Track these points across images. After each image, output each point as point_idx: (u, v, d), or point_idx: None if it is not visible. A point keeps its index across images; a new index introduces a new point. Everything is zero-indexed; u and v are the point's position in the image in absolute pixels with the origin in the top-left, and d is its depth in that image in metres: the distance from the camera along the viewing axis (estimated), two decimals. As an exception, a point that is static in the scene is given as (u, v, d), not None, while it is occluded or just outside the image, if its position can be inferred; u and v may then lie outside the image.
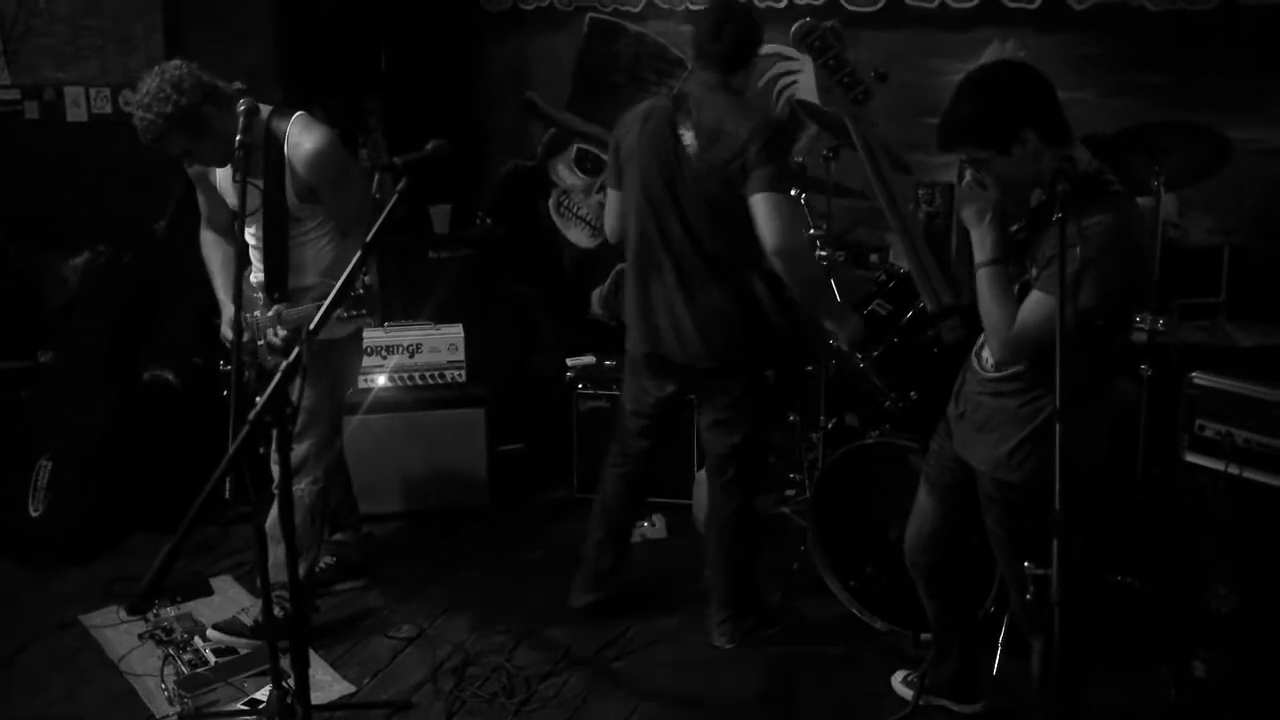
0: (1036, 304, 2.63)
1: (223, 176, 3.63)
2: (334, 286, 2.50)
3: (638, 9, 5.45)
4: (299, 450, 3.78)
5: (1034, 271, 2.69)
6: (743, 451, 3.75)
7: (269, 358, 3.58)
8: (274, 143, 3.53)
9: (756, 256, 3.44)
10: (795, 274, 3.43)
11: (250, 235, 3.64)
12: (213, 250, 3.82)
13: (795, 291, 3.46)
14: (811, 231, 4.20)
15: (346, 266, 2.51)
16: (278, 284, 3.61)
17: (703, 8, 3.60)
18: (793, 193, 3.38)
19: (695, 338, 3.58)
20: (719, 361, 3.61)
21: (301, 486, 3.80)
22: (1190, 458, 3.84)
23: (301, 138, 3.52)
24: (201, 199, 3.79)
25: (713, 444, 3.80)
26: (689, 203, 3.50)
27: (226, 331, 3.80)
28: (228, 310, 3.67)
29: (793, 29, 2.80)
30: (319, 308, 3.31)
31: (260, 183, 3.52)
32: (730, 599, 3.90)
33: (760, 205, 3.36)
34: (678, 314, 3.59)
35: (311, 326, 2.38)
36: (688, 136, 3.46)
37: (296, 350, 2.26)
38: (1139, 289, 2.71)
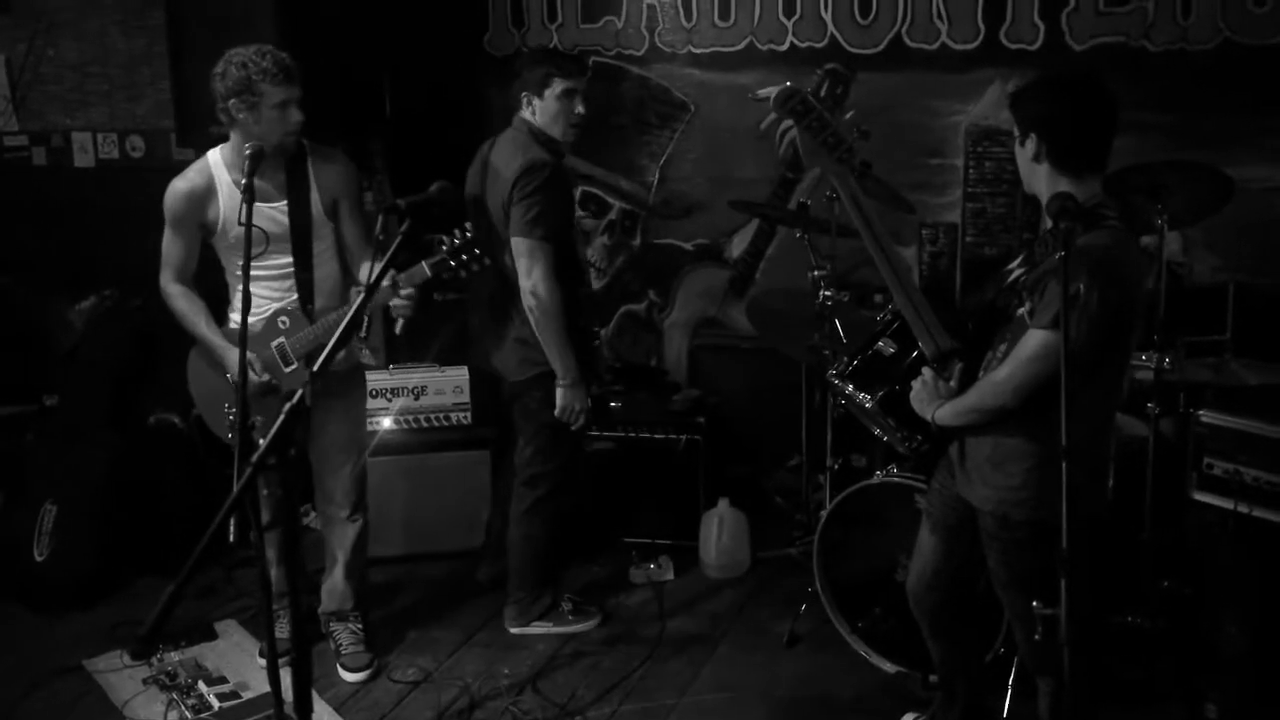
0: (1034, 341, 2.63)
1: (228, 215, 3.62)
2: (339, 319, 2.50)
3: (641, 52, 5.48)
4: (356, 482, 3.96)
5: (1028, 304, 2.69)
6: (544, 450, 4.09)
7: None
8: (300, 160, 3.66)
9: None
10: (537, 312, 3.79)
11: (264, 269, 3.60)
12: (190, 300, 3.74)
13: (535, 325, 3.83)
14: (816, 272, 4.21)
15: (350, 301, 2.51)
16: (310, 298, 3.71)
17: None
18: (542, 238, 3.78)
19: (503, 356, 4.03)
20: (518, 377, 4.00)
21: (363, 514, 4.01)
22: (1199, 496, 3.82)
23: (325, 155, 3.72)
24: (179, 248, 3.70)
25: (521, 446, 4.15)
26: (495, 236, 3.86)
27: (234, 373, 3.76)
28: (231, 355, 3.59)
29: (773, 95, 2.82)
30: (315, 335, 3.40)
31: (283, 205, 3.62)
32: (521, 582, 4.22)
33: (514, 246, 3.79)
34: (496, 334, 4.03)
35: (315, 367, 2.37)
36: (488, 175, 3.92)
37: (300, 392, 2.25)
38: (1132, 316, 2.71)
